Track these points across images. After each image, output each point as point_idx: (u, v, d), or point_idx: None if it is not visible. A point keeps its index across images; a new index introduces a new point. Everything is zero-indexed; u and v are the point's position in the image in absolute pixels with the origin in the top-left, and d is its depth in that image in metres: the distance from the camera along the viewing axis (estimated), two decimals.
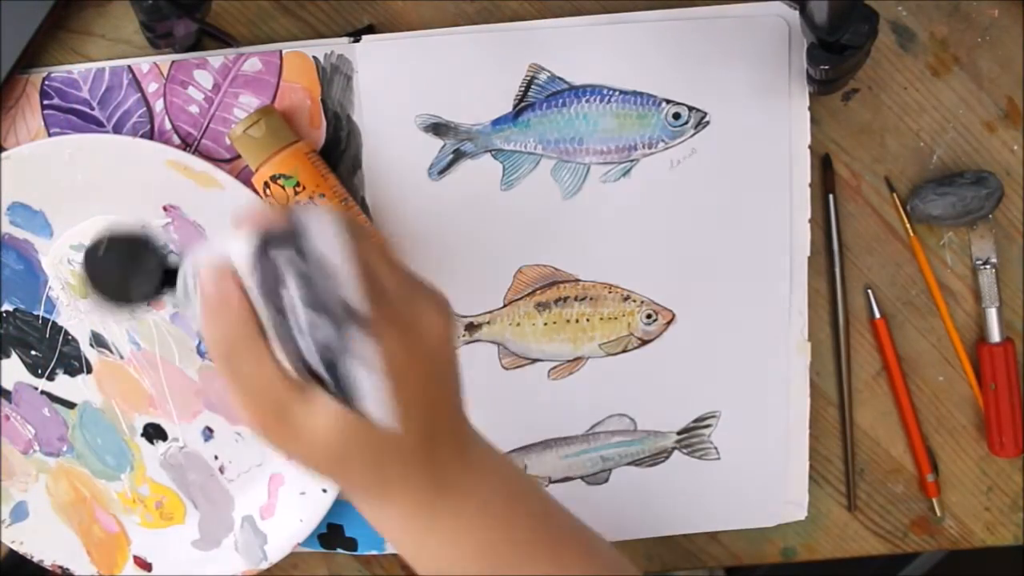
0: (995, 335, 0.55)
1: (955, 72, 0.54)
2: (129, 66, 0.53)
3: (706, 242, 0.54)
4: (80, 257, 0.55)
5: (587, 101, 0.52)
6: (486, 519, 0.39)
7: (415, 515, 0.38)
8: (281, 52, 0.52)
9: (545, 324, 0.55)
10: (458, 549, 0.39)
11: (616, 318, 0.55)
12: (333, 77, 0.52)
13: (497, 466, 0.41)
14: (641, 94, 0.52)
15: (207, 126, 0.53)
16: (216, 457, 0.57)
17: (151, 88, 0.53)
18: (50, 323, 0.56)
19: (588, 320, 0.55)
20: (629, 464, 0.57)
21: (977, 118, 0.54)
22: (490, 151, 0.53)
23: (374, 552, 0.57)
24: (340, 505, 0.56)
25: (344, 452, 0.36)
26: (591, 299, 0.55)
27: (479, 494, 0.39)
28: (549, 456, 0.57)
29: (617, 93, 0.52)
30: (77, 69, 0.53)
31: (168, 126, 0.53)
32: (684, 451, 0.57)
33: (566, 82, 0.52)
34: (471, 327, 0.55)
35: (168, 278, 0.38)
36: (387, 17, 0.53)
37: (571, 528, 0.42)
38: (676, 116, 0.52)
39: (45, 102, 0.53)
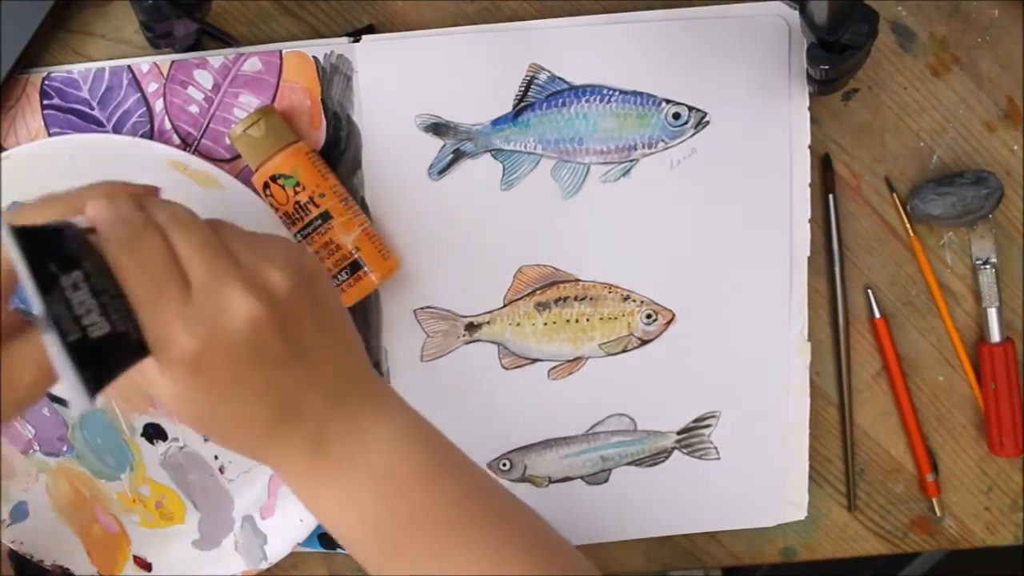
0: (995, 335, 0.55)
1: (955, 72, 0.54)
2: (129, 66, 0.53)
3: (706, 242, 0.54)
4: None
5: (587, 101, 0.52)
6: (378, 495, 0.39)
7: (295, 481, 0.40)
8: (281, 52, 0.52)
9: (545, 324, 0.55)
10: (346, 516, 0.40)
11: (616, 318, 0.55)
12: (333, 77, 0.52)
13: (400, 439, 0.40)
14: (641, 94, 0.52)
15: (207, 126, 0.53)
16: (216, 457, 0.57)
17: (151, 88, 0.53)
18: None
19: (588, 320, 0.55)
20: (629, 464, 0.57)
21: (977, 118, 0.54)
22: (490, 151, 0.53)
23: None
24: None
25: (192, 420, 0.38)
26: (591, 299, 0.55)
27: (370, 467, 0.39)
28: (549, 456, 0.57)
29: (617, 93, 0.52)
30: (77, 69, 0.53)
31: (168, 126, 0.53)
32: (684, 451, 0.57)
33: (566, 82, 0.52)
34: (471, 327, 0.55)
35: None
36: (387, 17, 0.53)
37: (497, 511, 0.42)
38: (676, 116, 0.52)
39: (45, 102, 0.53)
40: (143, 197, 0.39)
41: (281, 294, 0.37)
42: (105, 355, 0.36)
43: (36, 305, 0.34)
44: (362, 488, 0.39)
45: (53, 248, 0.35)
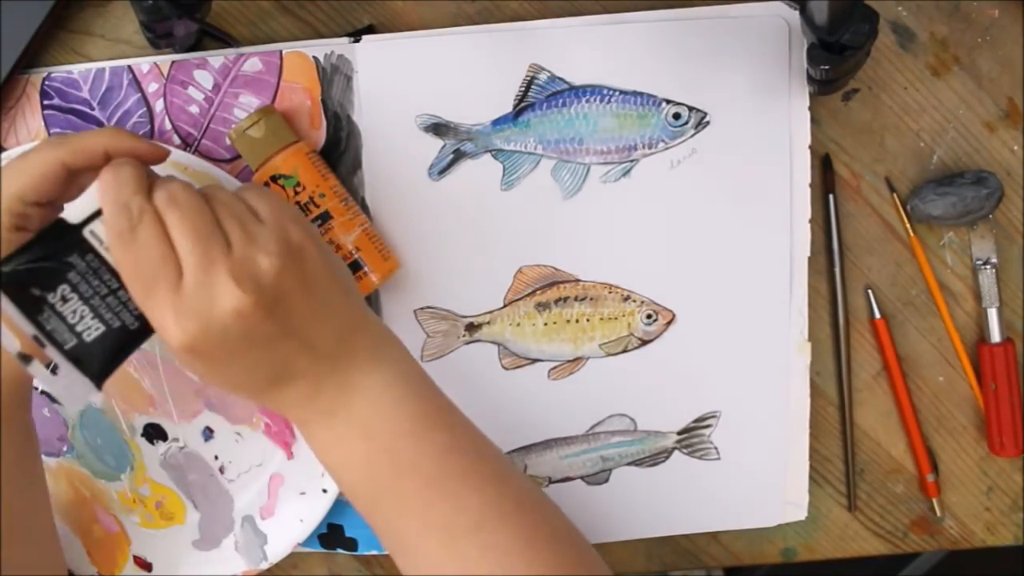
0: (995, 335, 0.55)
1: (955, 72, 0.54)
2: (129, 66, 0.53)
3: (706, 242, 0.54)
4: None
5: (587, 101, 0.52)
6: (365, 442, 0.41)
7: (297, 424, 0.42)
8: (281, 52, 0.52)
9: (545, 324, 0.55)
10: (337, 459, 0.42)
11: (616, 318, 0.55)
12: (333, 77, 0.52)
13: (388, 392, 0.42)
14: (641, 94, 0.52)
15: (207, 126, 0.53)
16: (216, 457, 0.57)
17: (151, 88, 0.53)
18: None
19: (588, 320, 0.55)
20: (629, 464, 0.57)
21: (977, 118, 0.54)
22: (490, 151, 0.53)
23: (374, 552, 0.57)
24: (340, 505, 0.56)
25: (199, 380, 0.42)
26: (591, 299, 0.55)
27: (358, 417, 0.41)
28: (549, 456, 0.57)
29: (617, 93, 0.52)
30: (77, 69, 0.53)
31: (168, 126, 0.53)
32: (684, 451, 0.57)
33: (566, 82, 0.52)
34: (471, 327, 0.55)
35: None
36: (387, 17, 0.53)
37: (486, 471, 0.42)
38: (676, 116, 0.52)
39: (45, 102, 0.53)
40: (146, 170, 0.41)
41: (268, 279, 0.38)
42: (103, 352, 0.39)
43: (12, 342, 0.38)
44: (350, 435, 0.41)
45: (32, 274, 0.38)
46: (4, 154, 0.52)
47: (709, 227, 0.54)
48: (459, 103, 0.53)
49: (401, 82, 0.52)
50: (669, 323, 0.55)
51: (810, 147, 0.53)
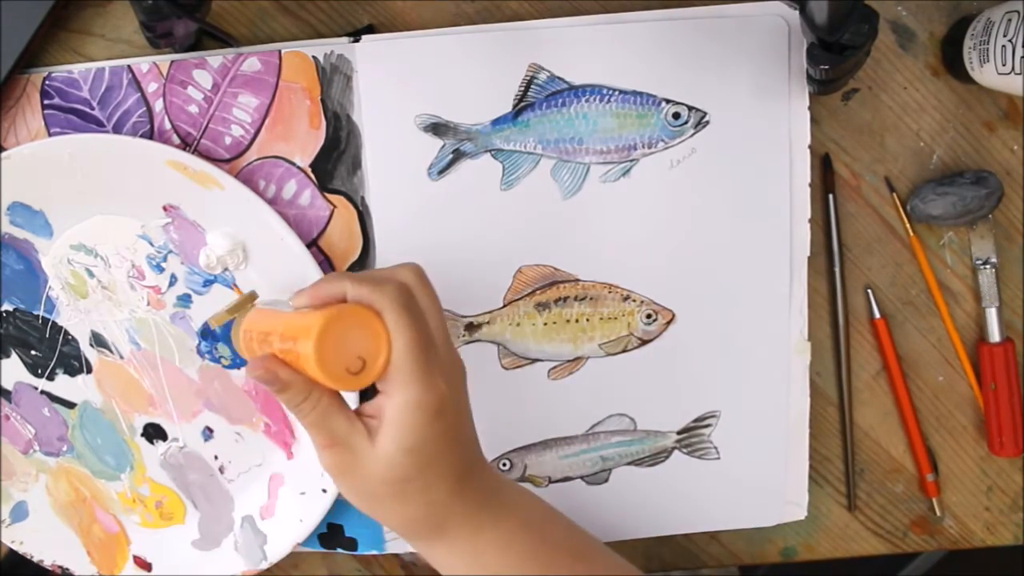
0: (995, 335, 0.55)
1: None
2: (129, 66, 0.53)
3: (706, 242, 0.54)
4: (80, 256, 0.55)
5: (587, 101, 0.52)
6: (526, 534, 0.45)
7: (460, 551, 0.45)
8: (280, 52, 0.52)
9: (545, 324, 0.55)
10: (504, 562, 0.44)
11: (616, 318, 0.55)
12: (333, 77, 0.52)
13: (523, 497, 0.47)
14: (641, 94, 0.52)
15: (207, 126, 0.53)
16: (216, 457, 0.57)
17: (151, 88, 0.53)
18: (50, 323, 0.56)
19: (588, 320, 0.55)
20: (629, 464, 0.57)
21: (977, 118, 0.54)
22: (490, 151, 0.53)
23: (374, 552, 0.57)
24: (340, 505, 0.56)
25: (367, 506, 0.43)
26: (591, 299, 0.55)
27: (515, 516, 0.45)
28: (549, 456, 0.57)
29: (617, 93, 0.52)
30: (77, 69, 0.53)
31: (168, 126, 0.53)
32: (684, 451, 0.57)
33: (566, 82, 0.52)
34: (471, 327, 0.55)
35: None
36: (387, 17, 0.53)
37: (585, 540, 0.48)
38: (676, 116, 0.52)
39: (46, 102, 0.53)
40: None
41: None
42: None
43: None
44: (513, 539, 0.45)
45: None
46: (4, 154, 0.52)
47: (709, 227, 0.54)
48: (459, 103, 0.52)
49: (401, 82, 0.52)
50: (669, 323, 0.55)
51: (810, 147, 0.53)
